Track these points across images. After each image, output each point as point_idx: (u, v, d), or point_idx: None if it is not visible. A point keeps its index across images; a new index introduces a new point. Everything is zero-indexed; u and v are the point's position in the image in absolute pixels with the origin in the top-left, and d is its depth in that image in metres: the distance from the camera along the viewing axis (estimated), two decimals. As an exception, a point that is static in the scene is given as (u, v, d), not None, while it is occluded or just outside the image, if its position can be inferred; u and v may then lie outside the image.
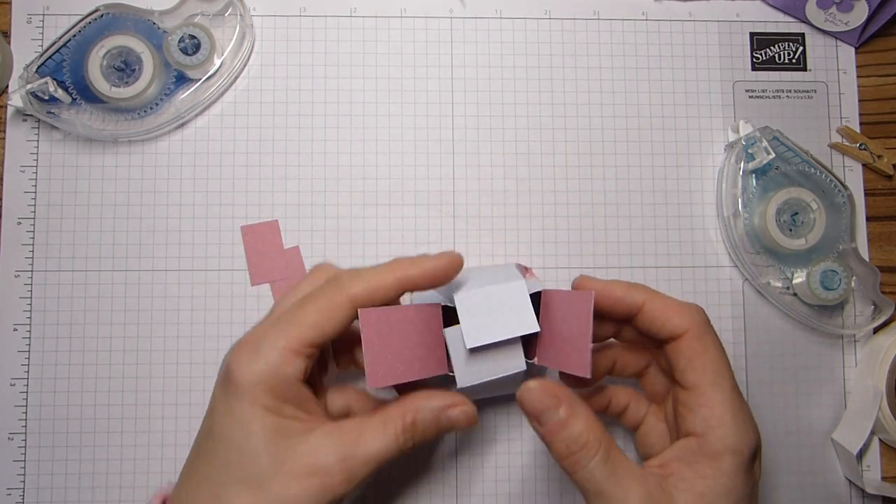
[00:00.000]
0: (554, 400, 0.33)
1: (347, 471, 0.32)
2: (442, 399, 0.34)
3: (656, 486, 0.33)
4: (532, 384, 0.34)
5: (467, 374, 0.36)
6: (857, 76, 0.48)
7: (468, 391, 0.36)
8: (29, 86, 0.43)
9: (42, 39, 0.46)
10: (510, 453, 0.45)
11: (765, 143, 0.44)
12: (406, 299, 0.40)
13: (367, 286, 0.34)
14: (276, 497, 0.32)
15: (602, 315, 0.37)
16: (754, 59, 0.48)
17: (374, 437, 0.33)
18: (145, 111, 0.45)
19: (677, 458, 0.34)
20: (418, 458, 0.44)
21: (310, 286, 0.36)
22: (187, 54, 0.44)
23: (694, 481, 0.33)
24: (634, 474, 0.33)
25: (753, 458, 0.35)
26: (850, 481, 0.45)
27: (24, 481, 0.43)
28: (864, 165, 0.48)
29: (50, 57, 0.44)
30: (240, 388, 0.32)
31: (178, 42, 0.44)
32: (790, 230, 0.45)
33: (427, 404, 0.34)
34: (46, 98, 0.43)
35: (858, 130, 0.48)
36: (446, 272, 0.35)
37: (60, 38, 0.44)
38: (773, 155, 0.44)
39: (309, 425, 0.33)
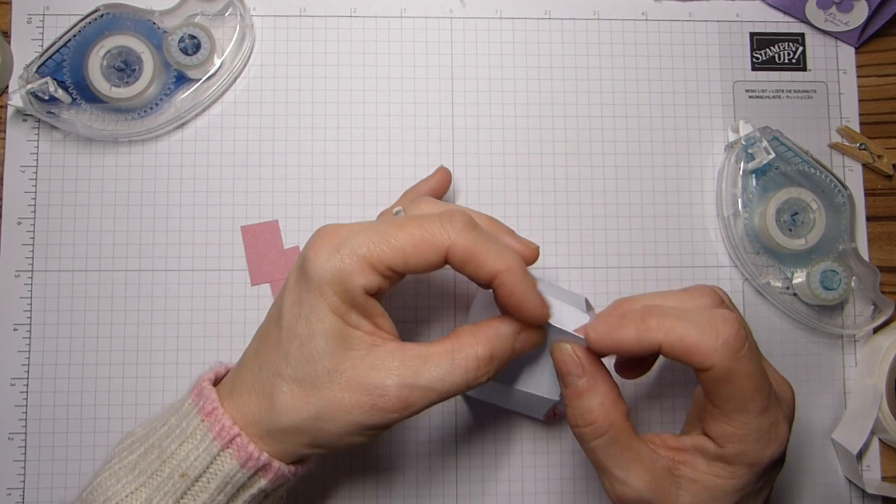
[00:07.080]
0: (578, 368, 0.33)
1: (404, 398, 0.31)
2: (512, 324, 0.33)
3: (664, 471, 0.33)
4: (567, 346, 0.34)
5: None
6: (857, 76, 0.48)
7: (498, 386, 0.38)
8: (29, 86, 0.43)
9: (42, 39, 0.46)
10: (510, 453, 0.45)
11: (765, 143, 0.44)
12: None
13: (470, 250, 0.31)
14: (326, 404, 0.31)
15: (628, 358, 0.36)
16: (754, 59, 0.48)
17: (440, 368, 0.31)
18: (145, 111, 0.45)
19: (695, 448, 0.34)
20: (419, 457, 0.44)
21: (429, 208, 0.35)
22: (187, 54, 0.44)
23: (705, 476, 0.33)
24: (642, 458, 0.33)
25: (773, 468, 0.34)
26: (850, 481, 0.45)
27: (24, 481, 0.43)
28: (864, 165, 0.48)
29: (50, 57, 0.44)
30: (311, 282, 0.31)
31: (178, 42, 0.44)
32: (790, 230, 0.45)
33: (500, 331, 0.33)
34: (46, 98, 0.43)
35: (858, 130, 0.48)
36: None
37: (60, 38, 0.44)
38: (773, 155, 0.44)
39: (374, 340, 0.32)
